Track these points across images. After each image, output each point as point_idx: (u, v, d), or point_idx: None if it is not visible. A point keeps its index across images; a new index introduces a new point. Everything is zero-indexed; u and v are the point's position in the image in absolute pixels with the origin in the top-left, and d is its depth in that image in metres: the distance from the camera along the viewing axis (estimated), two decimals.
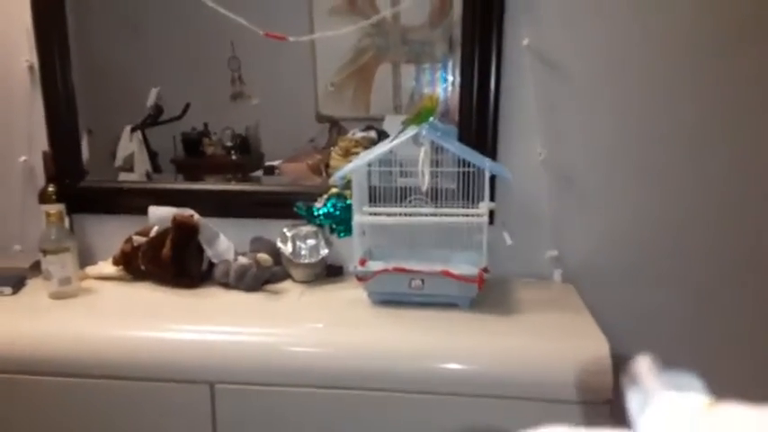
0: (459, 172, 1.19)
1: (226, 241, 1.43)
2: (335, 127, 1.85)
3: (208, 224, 1.39)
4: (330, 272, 1.39)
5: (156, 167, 1.62)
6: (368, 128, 1.79)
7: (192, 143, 1.63)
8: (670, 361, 0.27)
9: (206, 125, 1.64)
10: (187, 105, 1.57)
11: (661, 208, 1.36)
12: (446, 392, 1.02)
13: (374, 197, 1.27)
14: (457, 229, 1.23)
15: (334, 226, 1.37)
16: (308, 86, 1.81)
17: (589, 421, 1.00)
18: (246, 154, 1.66)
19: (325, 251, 1.35)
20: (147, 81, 1.60)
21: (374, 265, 1.20)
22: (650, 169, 1.35)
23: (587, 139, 1.35)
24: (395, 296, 1.21)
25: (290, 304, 1.25)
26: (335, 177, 1.24)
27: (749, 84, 1.30)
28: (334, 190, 1.34)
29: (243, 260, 1.32)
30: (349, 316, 1.18)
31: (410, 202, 1.26)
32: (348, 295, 1.26)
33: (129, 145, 1.58)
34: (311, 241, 1.35)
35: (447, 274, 1.15)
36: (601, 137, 1.34)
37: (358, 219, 1.21)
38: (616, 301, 1.41)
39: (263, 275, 1.32)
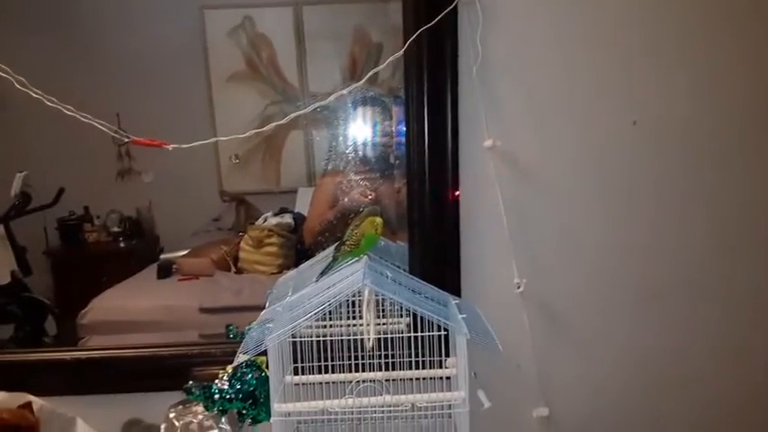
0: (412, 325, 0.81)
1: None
2: (242, 204, 1.63)
3: (55, 412, 0.91)
4: None
5: (25, 266, 1.36)
6: (281, 211, 1.58)
7: (71, 230, 1.42)
8: None
9: (86, 209, 1.44)
10: (61, 190, 1.38)
11: (671, 347, 1.04)
12: None
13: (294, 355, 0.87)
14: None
15: (245, 410, 0.90)
16: (209, 160, 1.60)
17: None
18: (139, 238, 1.48)
19: None
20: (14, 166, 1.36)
21: None
22: (652, 299, 1.04)
23: (571, 263, 1.02)
24: None
25: None
26: (246, 344, 0.78)
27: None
28: (242, 357, 0.93)
29: None
30: None
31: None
32: None
33: None
34: None
35: None
36: (589, 259, 1.02)
37: (279, 408, 0.76)
38: None
39: None
